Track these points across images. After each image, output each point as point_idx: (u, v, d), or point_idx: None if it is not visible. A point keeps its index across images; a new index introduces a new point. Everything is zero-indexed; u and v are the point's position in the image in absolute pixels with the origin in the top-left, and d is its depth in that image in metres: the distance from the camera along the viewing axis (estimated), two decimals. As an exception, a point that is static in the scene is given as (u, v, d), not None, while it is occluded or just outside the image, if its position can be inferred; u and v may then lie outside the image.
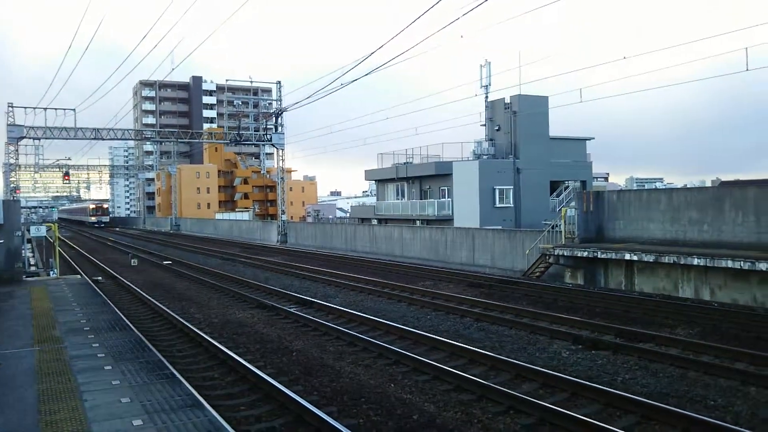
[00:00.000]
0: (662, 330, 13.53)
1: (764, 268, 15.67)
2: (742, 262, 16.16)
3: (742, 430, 7.48)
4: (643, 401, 8.55)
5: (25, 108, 43.63)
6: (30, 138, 43.64)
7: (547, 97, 43.26)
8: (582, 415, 8.09)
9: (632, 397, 8.77)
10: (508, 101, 42.51)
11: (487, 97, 43.24)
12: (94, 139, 44.93)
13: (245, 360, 11.31)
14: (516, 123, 41.76)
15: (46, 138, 43.96)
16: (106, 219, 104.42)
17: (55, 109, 43.16)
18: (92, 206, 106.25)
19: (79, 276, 24.46)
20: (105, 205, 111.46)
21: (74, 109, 43.28)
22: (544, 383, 9.91)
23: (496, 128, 43.28)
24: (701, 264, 17.23)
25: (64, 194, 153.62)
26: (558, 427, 8.01)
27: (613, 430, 7.51)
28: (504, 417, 8.54)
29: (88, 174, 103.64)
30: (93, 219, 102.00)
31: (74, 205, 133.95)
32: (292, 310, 16.90)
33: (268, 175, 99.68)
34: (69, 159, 79.75)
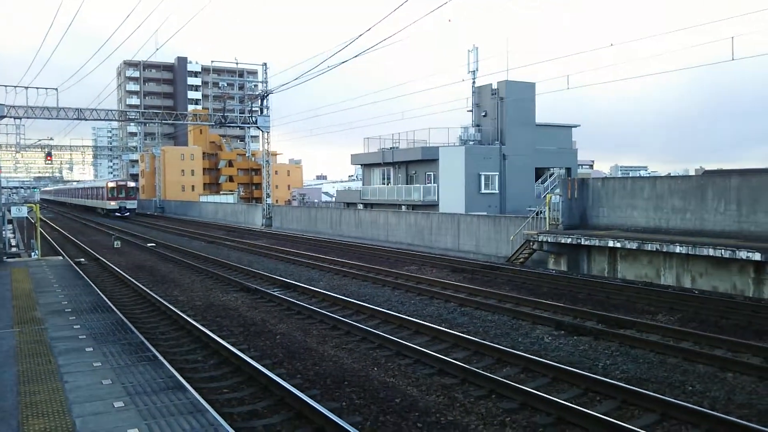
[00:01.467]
0: (643, 316, 13.67)
1: (744, 257, 15.86)
2: (722, 251, 16.35)
3: (718, 414, 7.61)
4: (623, 386, 8.66)
5: (6, 86, 42.91)
6: (11, 117, 42.96)
7: (534, 83, 43.33)
8: (563, 400, 8.18)
9: (612, 382, 8.88)
10: (496, 87, 42.49)
11: (474, 82, 43.20)
12: (77, 119, 44.33)
13: (228, 343, 11.29)
14: (503, 109, 41.78)
15: (28, 117, 43.27)
16: (132, 205, 67.57)
17: (37, 88, 42.39)
18: (111, 185, 67.98)
19: (61, 257, 24.23)
20: (131, 184, 71.15)
21: (56, 89, 42.63)
22: (525, 368, 9.99)
23: (483, 114, 43.27)
24: (683, 252, 17.41)
25: (47, 175, 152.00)
26: (539, 411, 8.09)
27: (594, 414, 7.60)
28: (486, 401, 8.61)
29: (71, 154, 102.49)
30: (112, 205, 65.76)
31: (78, 185, 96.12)
32: (276, 293, 16.88)
33: (253, 158, 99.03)
34: (51, 139, 78.67)
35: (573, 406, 7.86)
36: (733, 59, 22.04)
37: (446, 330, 12.23)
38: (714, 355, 10.27)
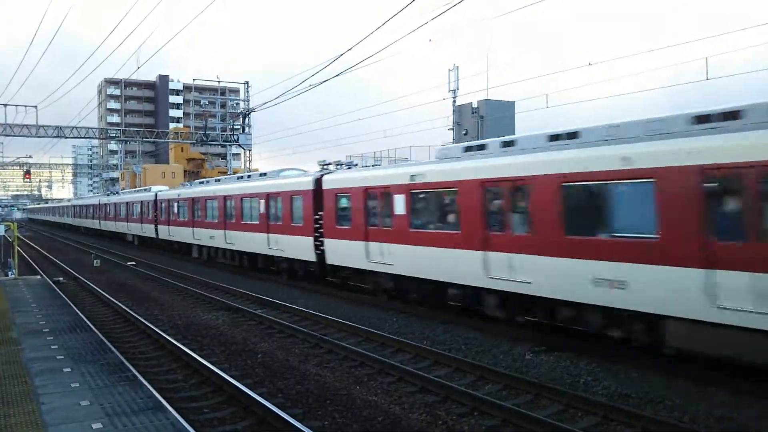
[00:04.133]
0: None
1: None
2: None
3: (698, 429, 7.67)
4: (604, 402, 8.70)
5: (-16, 105, 42.49)
6: (-11, 135, 42.55)
7: (514, 102, 43.75)
8: (544, 417, 8.21)
9: (593, 399, 8.92)
10: (476, 106, 42.86)
11: (454, 101, 43.54)
12: (57, 137, 44.00)
13: (209, 362, 11.19)
14: (483, 127, 42.12)
15: (6, 135, 42.88)
16: None
17: (16, 105, 42.10)
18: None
19: (39, 276, 23.91)
20: None
21: (36, 106, 42.32)
22: (507, 385, 10.01)
23: (464, 132, 43.56)
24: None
25: (25, 193, 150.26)
26: (521, 428, 8.10)
27: (575, 430, 7.63)
28: (468, 418, 8.60)
29: (50, 173, 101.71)
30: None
31: (114, 197, 52.12)
32: (257, 312, 16.77)
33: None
34: (30, 157, 77.97)
35: (555, 422, 7.88)
36: (707, 79, 22.40)
37: (428, 348, 12.24)
38: (694, 370, 10.34)
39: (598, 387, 9.85)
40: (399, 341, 12.88)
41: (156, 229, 37.72)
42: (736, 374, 9.61)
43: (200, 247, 31.19)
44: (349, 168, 20.68)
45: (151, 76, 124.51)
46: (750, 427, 8.03)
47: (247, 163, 49.92)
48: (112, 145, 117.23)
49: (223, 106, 56.75)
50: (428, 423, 8.45)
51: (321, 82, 25.74)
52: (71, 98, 44.12)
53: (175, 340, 13.17)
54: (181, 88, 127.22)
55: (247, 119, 48.62)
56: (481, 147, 14.64)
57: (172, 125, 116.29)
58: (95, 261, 31.78)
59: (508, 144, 13.76)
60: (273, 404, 8.69)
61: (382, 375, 10.76)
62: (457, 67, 41.98)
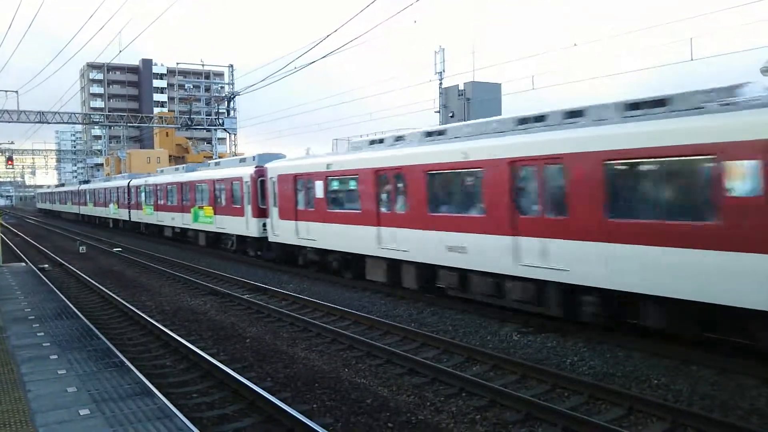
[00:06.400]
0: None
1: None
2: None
3: (681, 407, 7.79)
4: (589, 382, 8.80)
5: (-37, 90, 41.87)
6: (-31, 121, 41.95)
7: (500, 84, 43.67)
8: (531, 397, 8.29)
9: (579, 378, 9.02)
10: (462, 88, 42.74)
11: (441, 83, 43.39)
12: (39, 122, 43.50)
13: (197, 347, 11.18)
14: (469, 110, 42.06)
15: (-13, 121, 42.33)
16: None
17: (-4, 90, 41.54)
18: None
19: (23, 264, 23.72)
20: None
21: (17, 91, 41.75)
22: (494, 365, 10.09)
23: (451, 115, 43.47)
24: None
25: (8, 179, 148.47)
26: (508, 408, 8.18)
27: (561, 410, 7.72)
28: (456, 399, 8.68)
29: (33, 159, 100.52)
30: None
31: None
32: (245, 296, 16.75)
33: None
34: (12, 143, 76.97)
35: (542, 402, 7.97)
36: (692, 59, 22.40)
37: (416, 330, 12.30)
38: (678, 349, 10.48)
39: (584, 367, 9.95)
40: (387, 324, 12.93)
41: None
42: (719, 352, 9.75)
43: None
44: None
45: (134, 61, 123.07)
46: (732, 404, 8.15)
47: (233, 147, 49.59)
48: (96, 131, 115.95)
49: (207, 89, 56.28)
50: (416, 405, 8.51)
51: (307, 64, 25.49)
52: (53, 83, 43.52)
53: (163, 325, 13.13)
54: (165, 72, 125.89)
55: (232, 103, 48.21)
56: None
57: (156, 110, 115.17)
58: (81, 247, 31.56)
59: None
60: (262, 388, 8.72)
61: (370, 357, 10.81)
62: (443, 49, 41.81)
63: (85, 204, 56.60)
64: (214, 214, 26.78)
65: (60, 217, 69.78)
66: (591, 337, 11.50)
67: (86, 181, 62.04)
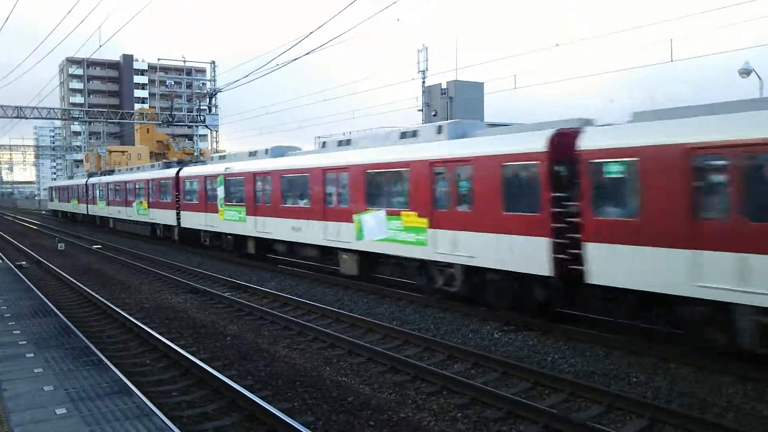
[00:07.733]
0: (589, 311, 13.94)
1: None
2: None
3: (660, 404, 7.86)
4: (570, 380, 8.86)
5: (-61, 84, 41.13)
6: (-55, 116, 41.23)
7: (483, 83, 43.79)
8: (512, 395, 8.32)
9: (560, 376, 9.07)
10: (445, 87, 42.80)
11: (424, 82, 43.41)
12: (17, 117, 42.83)
13: (177, 345, 11.09)
14: (452, 108, 42.13)
15: (-37, 116, 41.61)
16: None
17: (-27, 85, 40.84)
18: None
19: (0, 261, 23.36)
20: None
21: (-6, 86, 41.09)
22: (476, 363, 10.12)
23: (433, 113, 43.50)
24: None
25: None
26: (489, 405, 8.21)
27: (541, 407, 7.75)
28: (437, 397, 8.68)
29: (10, 154, 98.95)
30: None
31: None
32: (226, 294, 16.64)
33: (201, 157, 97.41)
34: (-11, 138, 75.78)
35: (522, 400, 8.00)
36: (672, 61, 22.63)
37: (398, 328, 12.29)
38: (657, 347, 10.58)
39: (564, 365, 10.01)
40: (368, 322, 12.91)
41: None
42: (698, 351, 9.85)
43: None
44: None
45: (114, 56, 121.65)
46: (709, 401, 8.25)
47: (215, 143, 49.23)
48: (76, 127, 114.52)
49: (189, 86, 55.81)
50: (398, 403, 8.51)
51: (290, 61, 25.41)
52: (31, 78, 42.89)
53: (143, 323, 13.00)
54: (146, 68, 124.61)
55: (213, 99, 47.86)
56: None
57: (137, 106, 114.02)
58: (59, 245, 31.15)
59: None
60: (242, 386, 8.66)
61: (351, 356, 10.79)
62: (426, 47, 41.84)
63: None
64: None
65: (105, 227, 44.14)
66: (572, 335, 11.58)
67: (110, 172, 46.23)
